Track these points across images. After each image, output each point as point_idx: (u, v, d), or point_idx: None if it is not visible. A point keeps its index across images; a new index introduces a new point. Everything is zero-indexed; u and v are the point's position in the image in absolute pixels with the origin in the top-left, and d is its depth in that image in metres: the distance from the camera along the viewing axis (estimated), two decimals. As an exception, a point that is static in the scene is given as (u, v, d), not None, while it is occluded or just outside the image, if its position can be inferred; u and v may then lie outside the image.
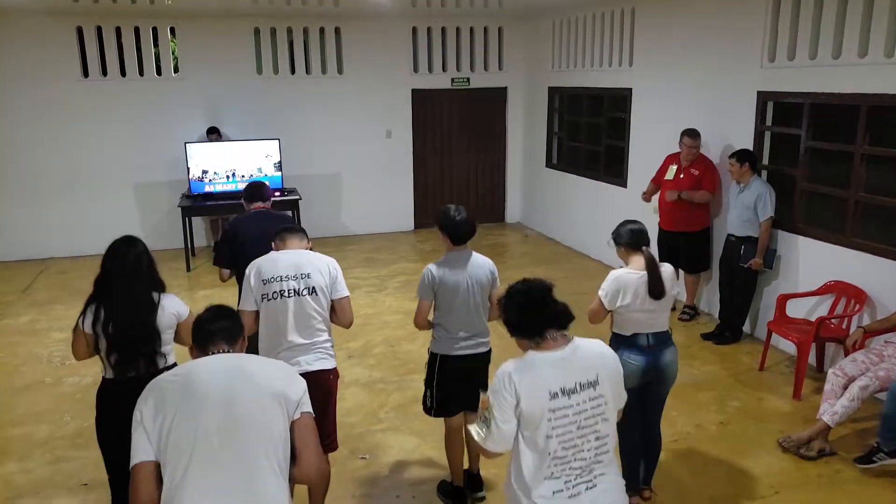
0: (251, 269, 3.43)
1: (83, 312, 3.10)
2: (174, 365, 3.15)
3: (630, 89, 7.60)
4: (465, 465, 3.91)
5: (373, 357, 5.86)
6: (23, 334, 6.47)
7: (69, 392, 5.26)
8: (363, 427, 4.69)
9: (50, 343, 6.25)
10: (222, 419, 2.06)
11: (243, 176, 8.40)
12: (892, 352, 4.36)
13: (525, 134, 10.25)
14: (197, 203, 8.38)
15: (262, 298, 3.36)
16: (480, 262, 3.65)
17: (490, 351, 3.74)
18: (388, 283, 7.84)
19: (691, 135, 6.24)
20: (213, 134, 8.82)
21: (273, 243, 3.57)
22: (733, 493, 3.95)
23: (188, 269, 8.30)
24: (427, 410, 3.78)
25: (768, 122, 5.92)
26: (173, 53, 9.17)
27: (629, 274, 3.54)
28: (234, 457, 2.04)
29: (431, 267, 3.59)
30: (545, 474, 2.24)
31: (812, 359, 5.35)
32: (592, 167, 8.60)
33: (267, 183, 5.03)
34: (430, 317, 3.70)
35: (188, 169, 8.39)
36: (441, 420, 3.84)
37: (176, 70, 9.11)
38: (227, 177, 8.50)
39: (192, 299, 6.96)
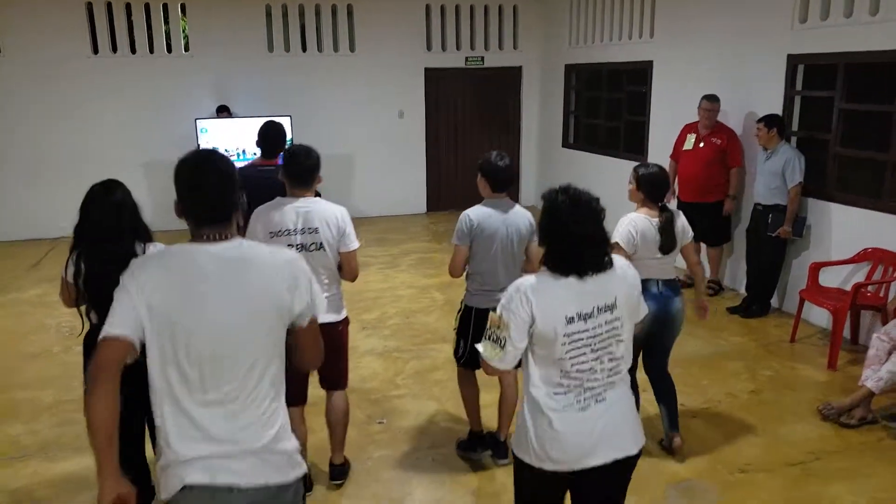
0: (256, 219, 3.25)
1: (66, 261, 2.95)
2: None
3: (651, 62, 7.41)
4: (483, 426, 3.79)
5: (387, 328, 5.69)
6: (32, 305, 6.33)
7: (77, 360, 5.04)
8: (380, 394, 4.52)
9: (58, 315, 6.08)
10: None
11: (254, 153, 8.23)
12: (937, 315, 4.16)
13: (540, 114, 10.05)
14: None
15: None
16: (520, 212, 3.50)
17: None
18: (401, 261, 7.67)
19: (710, 98, 6.05)
20: (223, 112, 8.68)
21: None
22: (770, 458, 3.75)
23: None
24: (458, 358, 3.68)
25: (798, 86, 5.71)
26: (184, 31, 9.04)
27: (645, 220, 3.53)
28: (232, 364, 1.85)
29: (469, 212, 3.45)
30: (556, 390, 2.20)
31: (846, 331, 5.13)
32: (612, 144, 8.38)
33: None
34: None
35: (199, 146, 8.24)
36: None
37: (186, 48, 8.96)
38: (238, 154, 8.35)
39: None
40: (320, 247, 3.21)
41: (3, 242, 8.58)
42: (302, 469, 1.96)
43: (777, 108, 5.73)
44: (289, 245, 3.14)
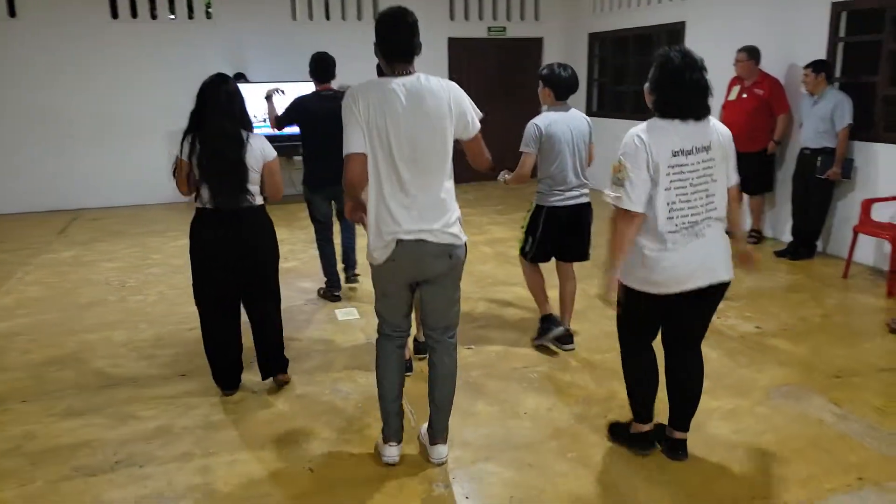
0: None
1: (181, 143, 3.29)
2: (262, 206, 3.42)
3: (683, 23, 7.53)
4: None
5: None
6: (71, 265, 6.22)
7: (136, 307, 5.04)
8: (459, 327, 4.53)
9: (103, 271, 6.02)
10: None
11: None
12: None
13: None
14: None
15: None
16: (579, 116, 3.90)
17: (590, 202, 3.97)
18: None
19: (741, 50, 6.19)
20: (240, 80, 8.60)
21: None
22: (859, 366, 3.86)
23: (227, 214, 8.06)
24: (524, 254, 4.06)
25: (841, 33, 5.86)
26: (206, -1, 8.96)
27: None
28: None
29: (536, 120, 3.83)
30: (668, 228, 2.60)
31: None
32: (640, 109, 8.49)
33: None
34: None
35: (226, 111, 8.16)
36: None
37: (208, 16, 8.88)
38: (264, 119, 8.27)
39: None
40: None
41: (23, 214, 8.42)
42: (465, 238, 2.77)
43: (821, 56, 5.87)
44: None
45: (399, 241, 2.61)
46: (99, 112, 8.54)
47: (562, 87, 3.84)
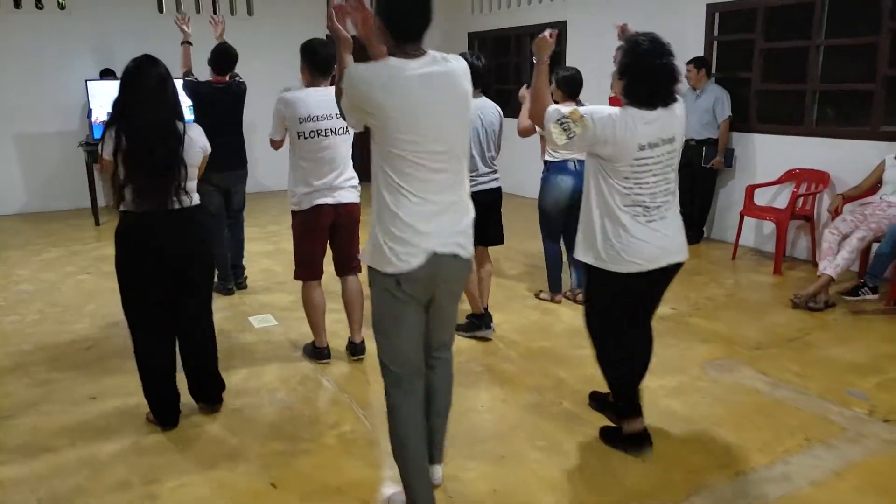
0: (285, 106, 3.45)
1: (102, 138, 2.81)
2: (198, 206, 2.99)
3: (565, 22, 7.80)
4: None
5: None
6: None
7: (14, 329, 4.41)
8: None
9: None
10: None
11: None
12: (871, 210, 4.81)
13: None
14: (102, 149, 7.42)
15: (298, 136, 3.44)
16: (490, 105, 4.09)
17: (500, 187, 4.11)
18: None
19: (619, 48, 6.50)
20: (109, 76, 7.85)
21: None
22: (772, 338, 4.15)
23: (97, 223, 7.31)
24: None
25: (715, 32, 6.32)
26: (57, -15, 8.10)
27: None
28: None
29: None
30: (626, 204, 2.61)
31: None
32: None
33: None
34: None
35: (90, 111, 7.42)
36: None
37: (61, 6, 8.03)
38: (136, 120, 7.61)
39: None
40: (346, 130, 3.48)
41: None
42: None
43: (699, 53, 6.30)
44: (319, 130, 3.42)
45: (433, 256, 2.15)
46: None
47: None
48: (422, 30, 2.12)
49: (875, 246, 4.73)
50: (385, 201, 2.13)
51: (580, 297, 4.22)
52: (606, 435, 2.99)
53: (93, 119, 7.42)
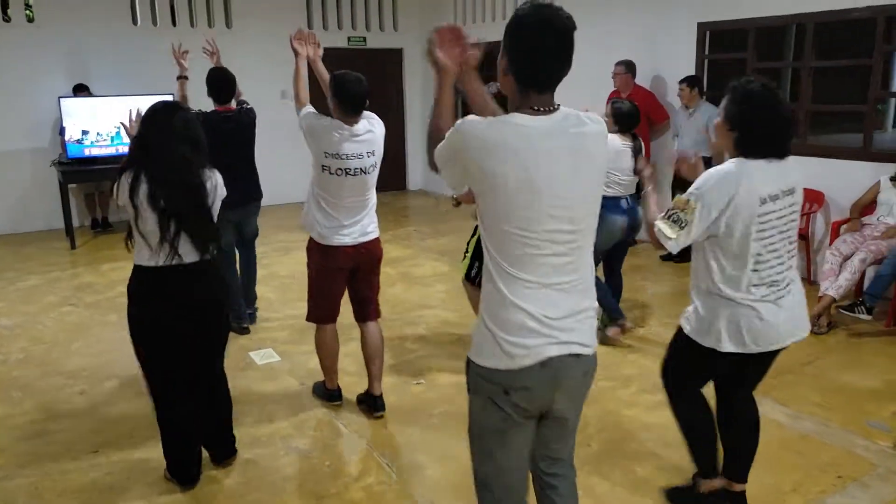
0: (309, 132, 3.23)
1: (116, 183, 2.57)
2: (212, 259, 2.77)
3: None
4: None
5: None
6: None
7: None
8: (402, 357, 4.27)
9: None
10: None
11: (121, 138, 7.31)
12: (869, 231, 4.87)
13: (424, 97, 10.02)
14: (76, 168, 7.15)
15: (322, 169, 3.21)
16: None
17: None
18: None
19: (619, 63, 6.51)
20: (82, 92, 7.55)
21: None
22: (785, 364, 4.07)
23: (73, 247, 7.00)
24: (472, 279, 3.86)
25: (706, 51, 6.34)
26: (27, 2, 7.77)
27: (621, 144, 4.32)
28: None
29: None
30: (751, 280, 2.32)
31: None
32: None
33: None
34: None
35: (63, 129, 7.14)
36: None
37: (29, 19, 7.71)
38: (112, 138, 7.35)
39: (100, 272, 5.91)
40: (374, 167, 3.31)
41: None
42: None
43: (690, 72, 6.31)
44: (347, 170, 3.19)
45: (548, 360, 1.74)
46: None
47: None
48: (558, 78, 1.72)
49: (874, 267, 4.77)
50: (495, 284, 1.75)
51: (627, 325, 4.48)
52: (676, 497, 2.82)
53: (66, 137, 7.15)
